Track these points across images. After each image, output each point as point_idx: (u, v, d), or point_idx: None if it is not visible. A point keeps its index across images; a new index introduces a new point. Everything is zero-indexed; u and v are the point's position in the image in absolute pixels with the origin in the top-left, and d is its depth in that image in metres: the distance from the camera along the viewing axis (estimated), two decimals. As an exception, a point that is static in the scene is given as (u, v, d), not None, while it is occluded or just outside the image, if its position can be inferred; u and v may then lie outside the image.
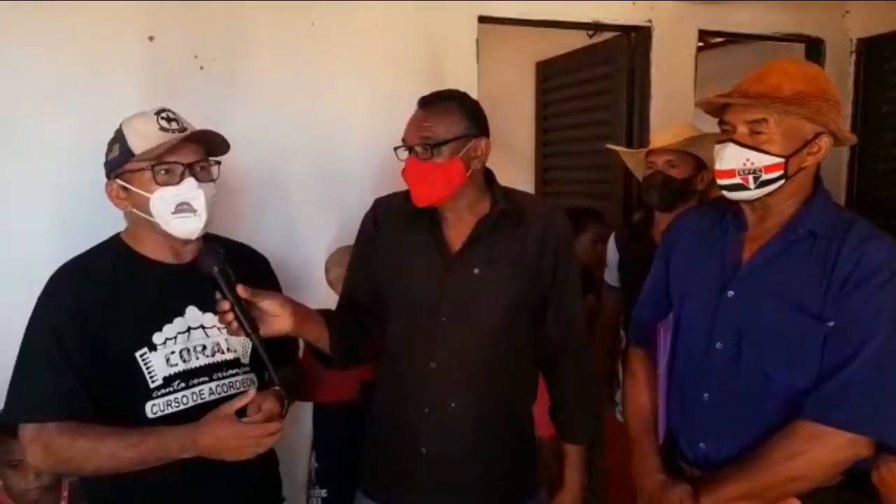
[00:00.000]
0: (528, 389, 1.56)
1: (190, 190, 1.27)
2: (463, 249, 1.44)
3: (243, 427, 1.23)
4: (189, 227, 1.30)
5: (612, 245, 2.33)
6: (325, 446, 1.96)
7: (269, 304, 1.25)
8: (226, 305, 1.19)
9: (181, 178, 1.28)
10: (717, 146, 1.30)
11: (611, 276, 2.33)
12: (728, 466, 1.29)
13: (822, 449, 1.21)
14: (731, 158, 1.26)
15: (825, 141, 1.27)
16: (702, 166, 2.04)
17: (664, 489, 1.35)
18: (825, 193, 1.33)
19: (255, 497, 1.42)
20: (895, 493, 1.22)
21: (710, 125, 1.52)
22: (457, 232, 1.46)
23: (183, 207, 1.28)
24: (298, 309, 1.30)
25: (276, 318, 1.26)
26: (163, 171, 1.27)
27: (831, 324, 1.22)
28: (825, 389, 1.21)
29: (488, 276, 1.43)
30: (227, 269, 1.21)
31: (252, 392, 1.27)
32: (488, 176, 1.52)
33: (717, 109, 1.35)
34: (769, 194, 1.28)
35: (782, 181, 1.26)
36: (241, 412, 1.26)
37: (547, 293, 1.48)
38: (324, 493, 1.93)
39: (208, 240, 1.40)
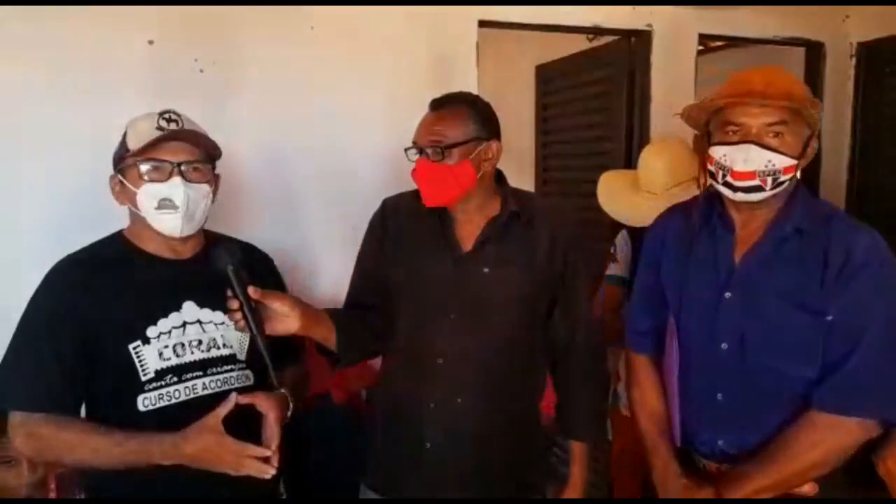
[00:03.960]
0: (535, 387, 1.57)
1: (173, 187, 1.29)
2: (473, 249, 1.45)
3: (227, 441, 1.22)
4: (170, 224, 1.31)
5: (623, 239, 2.32)
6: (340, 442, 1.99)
7: (279, 305, 1.27)
8: (235, 304, 1.22)
9: (169, 177, 1.30)
10: (730, 148, 1.28)
11: (622, 269, 2.30)
12: (748, 461, 1.32)
13: (838, 436, 1.27)
14: (753, 160, 1.26)
15: (815, 144, 1.30)
16: None
17: (688, 493, 1.37)
18: (804, 189, 1.36)
19: (254, 492, 1.41)
20: None
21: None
22: (467, 232, 1.47)
23: (165, 203, 1.30)
24: (307, 310, 1.32)
25: (286, 318, 1.28)
26: (150, 168, 1.29)
27: (830, 317, 1.26)
28: (833, 380, 1.26)
29: (498, 276, 1.44)
30: (241, 269, 1.24)
31: (233, 397, 1.25)
32: (499, 177, 1.53)
33: (703, 116, 1.35)
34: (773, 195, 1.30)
35: (788, 182, 1.28)
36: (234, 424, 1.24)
37: (556, 294, 1.50)
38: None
39: (210, 238, 1.41)
